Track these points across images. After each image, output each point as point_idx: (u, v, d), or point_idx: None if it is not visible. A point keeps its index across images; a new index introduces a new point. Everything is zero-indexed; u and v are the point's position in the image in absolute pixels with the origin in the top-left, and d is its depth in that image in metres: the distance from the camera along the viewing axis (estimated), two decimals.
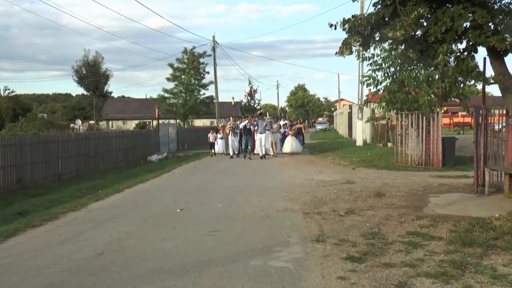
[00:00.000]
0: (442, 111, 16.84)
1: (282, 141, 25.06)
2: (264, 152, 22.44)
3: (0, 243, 7.50)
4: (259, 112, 29.25)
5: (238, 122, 24.47)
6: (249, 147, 23.07)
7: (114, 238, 7.56)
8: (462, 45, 8.33)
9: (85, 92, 53.67)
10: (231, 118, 27.49)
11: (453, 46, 8.11)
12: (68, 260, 6.38)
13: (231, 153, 23.70)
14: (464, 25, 7.59)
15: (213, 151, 25.74)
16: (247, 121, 23.61)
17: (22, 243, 7.53)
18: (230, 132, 23.85)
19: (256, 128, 23.09)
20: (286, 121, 29.02)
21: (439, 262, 5.77)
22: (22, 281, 5.63)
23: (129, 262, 6.22)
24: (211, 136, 26.11)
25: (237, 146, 24.06)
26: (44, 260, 6.43)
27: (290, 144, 24.11)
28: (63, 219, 9.36)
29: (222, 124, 29.00)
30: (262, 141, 22.60)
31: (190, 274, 5.67)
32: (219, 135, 26.08)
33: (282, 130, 25.79)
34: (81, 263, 6.23)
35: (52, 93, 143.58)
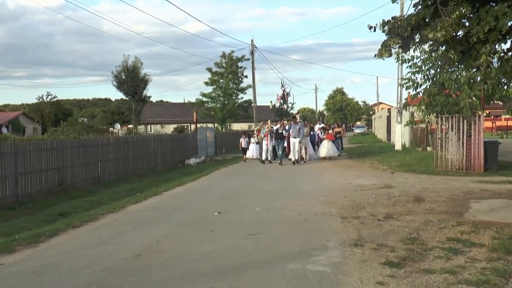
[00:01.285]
0: (484, 114, 16.44)
1: (319, 145, 24.54)
2: (297, 157, 21.59)
3: (42, 243, 7.71)
4: (292, 115, 28.41)
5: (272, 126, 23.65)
6: (281, 152, 22.09)
7: (152, 240, 7.66)
8: (506, 45, 8.12)
9: (124, 97, 54.51)
10: (269, 120, 26.56)
11: (497, 46, 7.90)
12: (108, 261, 6.50)
13: (269, 158, 22.90)
14: (509, 24, 7.39)
15: (245, 156, 24.65)
16: (279, 125, 22.76)
17: (63, 243, 7.72)
18: (268, 135, 23.03)
19: (289, 132, 22.13)
20: (322, 125, 28.14)
21: (481, 270, 5.61)
22: (64, 280, 5.76)
23: (167, 263, 6.29)
24: (243, 141, 25.18)
25: (271, 151, 23.20)
26: (84, 260, 6.57)
27: (326, 148, 23.55)
28: (103, 220, 9.56)
29: (257, 127, 27.60)
30: (296, 145, 21.70)
31: (228, 276, 5.69)
32: (252, 139, 24.94)
33: (319, 134, 25.14)
34: (120, 264, 6.34)
35: (92, 98, 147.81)
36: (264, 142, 23.15)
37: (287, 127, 22.65)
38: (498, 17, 7.25)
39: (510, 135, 38.97)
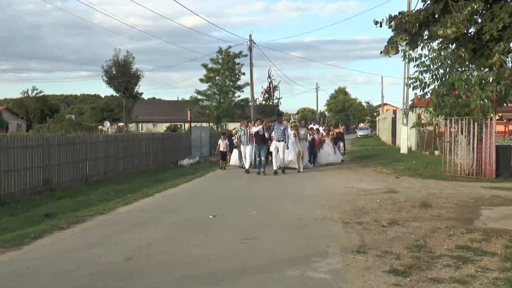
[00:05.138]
0: (497, 117, 16.45)
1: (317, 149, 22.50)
2: (281, 165, 18.76)
3: (27, 245, 7.68)
4: (278, 113, 25.26)
5: (249, 126, 20.26)
6: (263, 159, 18.92)
7: (144, 243, 7.65)
8: None
9: (114, 93, 54.47)
10: (246, 121, 22.09)
11: (511, 44, 7.92)
12: (96, 264, 6.48)
13: (247, 166, 19.66)
14: None
15: (223, 163, 21.45)
16: (260, 126, 18.97)
17: (49, 245, 7.69)
18: (242, 138, 20.08)
19: (272, 134, 19.16)
20: (317, 126, 25.62)
21: (493, 280, 5.61)
22: (49, 284, 5.75)
23: (159, 268, 6.28)
24: (221, 144, 21.71)
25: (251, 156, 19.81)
26: (71, 263, 6.56)
27: (326, 153, 22.39)
28: (91, 222, 9.53)
29: (235, 129, 23.95)
30: (279, 150, 18.77)
31: (223, 282, 5.68)
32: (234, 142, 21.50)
33: (310, 136, 21.55)
34: (109, 268, 6.32)
35: (80, 94, 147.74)
36: (242, 148, 20.32)
37: (270, 128, 19.66)
38: None
39: None
